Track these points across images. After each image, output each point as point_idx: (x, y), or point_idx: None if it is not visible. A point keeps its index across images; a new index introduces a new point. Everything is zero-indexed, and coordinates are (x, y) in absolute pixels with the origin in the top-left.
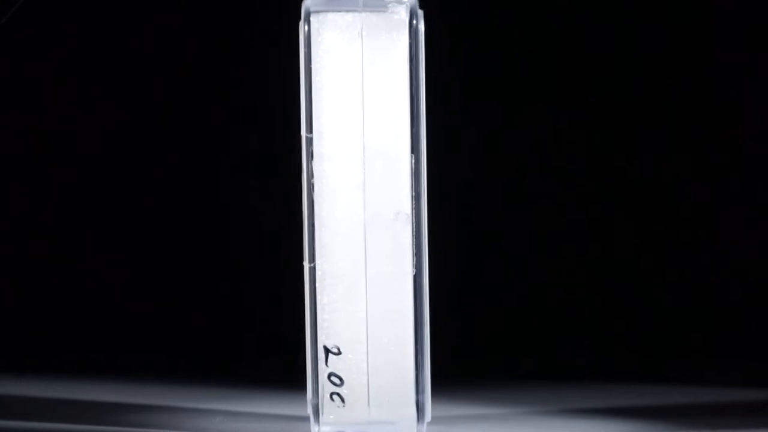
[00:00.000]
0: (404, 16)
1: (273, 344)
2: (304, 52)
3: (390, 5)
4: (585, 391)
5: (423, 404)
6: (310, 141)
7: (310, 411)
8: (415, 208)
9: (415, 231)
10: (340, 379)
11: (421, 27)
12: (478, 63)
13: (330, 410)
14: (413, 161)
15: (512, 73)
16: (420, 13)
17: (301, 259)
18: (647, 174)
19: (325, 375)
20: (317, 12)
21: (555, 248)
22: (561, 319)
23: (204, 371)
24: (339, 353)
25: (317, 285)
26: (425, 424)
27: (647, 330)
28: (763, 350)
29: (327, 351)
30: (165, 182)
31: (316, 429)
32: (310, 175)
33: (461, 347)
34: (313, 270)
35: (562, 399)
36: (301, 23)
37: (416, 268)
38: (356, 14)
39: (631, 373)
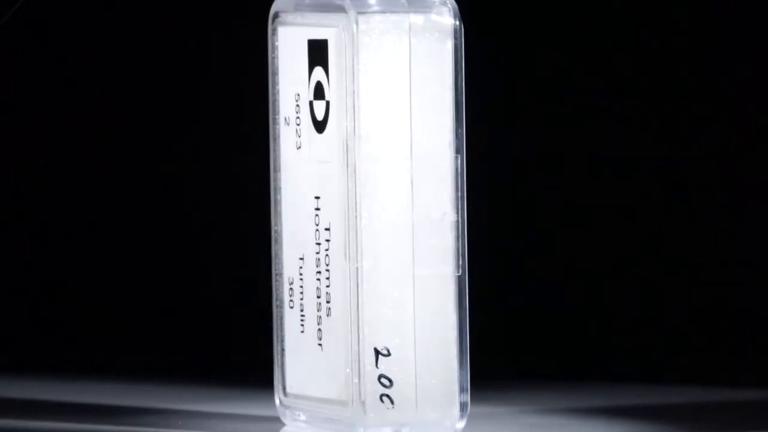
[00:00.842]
0: (449, 18)
1: (271, 344)
2: (352, 54)
3: (435, 7)
4: (585, 391)
5: (466, 404)
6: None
7: (356, 412)
8: (459, 209)
9: (460, 232)
10: (390, 380)
11: (462, 28)
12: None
13: (379, 411)
14: (459, 162)
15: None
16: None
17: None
18: (647, 174)
19: (375, 376)
20: (363, 13)
21: (555, 249)
22: (561, 319)
23: (204, 372)
24: (389, 354)
25: (364, 286)
26: (464, 422)
27: (647, 330)
28: (764, 350)
29: (377, 353)
30: (165, 183)
31: (361, 430)
32: (355, 176)
33: None
34: (358, 271)
35: (562, 399)
36: (349, 24)
37: (461, 269)
38: (402, 15)
39: (631, 373)
